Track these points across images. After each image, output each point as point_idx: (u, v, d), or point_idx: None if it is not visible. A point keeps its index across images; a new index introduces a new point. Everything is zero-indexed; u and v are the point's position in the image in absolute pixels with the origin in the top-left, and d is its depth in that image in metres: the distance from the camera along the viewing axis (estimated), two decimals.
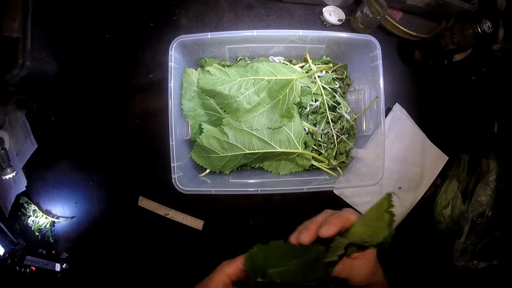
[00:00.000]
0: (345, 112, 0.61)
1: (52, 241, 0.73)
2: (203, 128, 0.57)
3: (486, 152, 0.70)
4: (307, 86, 0.58)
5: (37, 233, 0.73)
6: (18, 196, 0.72)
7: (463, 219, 0.68)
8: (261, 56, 0.64)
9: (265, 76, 0.55)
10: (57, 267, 0.72)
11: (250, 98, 0.55)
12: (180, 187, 0.53)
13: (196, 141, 0.57)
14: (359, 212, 0.35)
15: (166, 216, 0.70)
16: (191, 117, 0.59)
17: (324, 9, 0.69)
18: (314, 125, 0.61)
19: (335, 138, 0.61)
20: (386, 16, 0.67)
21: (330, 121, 0.60)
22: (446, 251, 0.69)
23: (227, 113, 0.57)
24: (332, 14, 0.70)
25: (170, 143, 0.53)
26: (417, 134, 0.73)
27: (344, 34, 0.55)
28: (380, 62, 0.54)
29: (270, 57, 0.63)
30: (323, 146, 0.62)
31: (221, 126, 0.55)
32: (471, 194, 0.69)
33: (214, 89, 0.55)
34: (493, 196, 0.66)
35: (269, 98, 0.55)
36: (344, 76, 0.65)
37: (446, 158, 0.73)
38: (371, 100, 0.59)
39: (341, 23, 0.70)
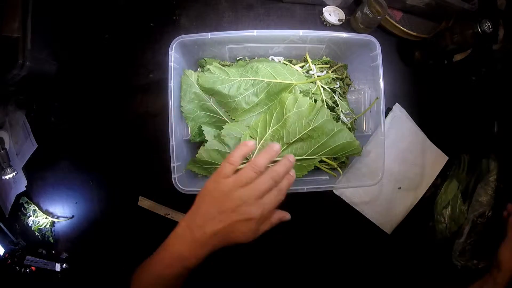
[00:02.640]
0: (343, 113, 0.61)
1: (52, 241, 0.73)
2: (203, 130, 0.56)
3: (486, 152, 0.70)
4: (308, 88, 0.58)
5: (37, 233, 0.73)
6: (18, 196, 0.72)
7: (463, 219, 0.68)
8: (261, 56, 0.64)
9: (265, 77, 0.54)
10: (57, 267, 0.72)
11: (249, 98, 0.55)
12: (180, 187, 0.53)
13: (195, 156, 0.56)
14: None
15: (166, 216, 0.70)
16: (190, 119, 0.59)
17: (324, 9, 0.69)
18: None
19: None
20: (386, 16, 0.67)
21: None
22: (446, 251, 0.69)
23: (226, 111, 0.57)
24: (332, 14, 0.70)
25: (170, 143, 0.53)
26: (417, 134, 0.73)
27: (344, 34, 0.55)
28: (380, 62, 0.54)
29: (270, 57, 0.63)
30: None
31: (221, 137, 0.54)
32: (471, 194, 0.69)
33: (213, 87, 0.55)
34: (493, 196, 0.66)
35: (267, 100, 0.55)
36: (344, 76, 0.65)
37: (446, 158, 0.73)
38: (371, 100, 0.59)
39: (341, 23, 0.70)
